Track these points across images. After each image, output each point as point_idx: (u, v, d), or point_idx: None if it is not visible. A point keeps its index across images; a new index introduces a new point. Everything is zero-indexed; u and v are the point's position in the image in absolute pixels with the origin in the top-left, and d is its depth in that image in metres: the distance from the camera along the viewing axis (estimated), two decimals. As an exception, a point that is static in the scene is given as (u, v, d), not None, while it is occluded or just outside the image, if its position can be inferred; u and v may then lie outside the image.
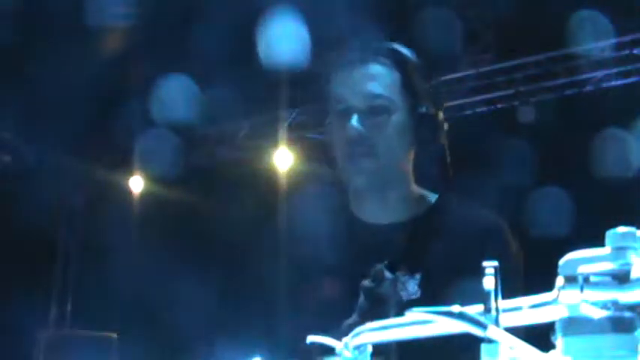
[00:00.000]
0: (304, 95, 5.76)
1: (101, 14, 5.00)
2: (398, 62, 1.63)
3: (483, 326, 0.59)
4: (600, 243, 0.61)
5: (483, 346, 0.59)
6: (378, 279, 1.46)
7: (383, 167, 1.60)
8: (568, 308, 0.60)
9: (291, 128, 6.40)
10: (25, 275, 6.30)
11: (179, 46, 5.12)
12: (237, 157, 6.74)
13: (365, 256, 1.54)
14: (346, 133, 1.59)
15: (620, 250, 0.59)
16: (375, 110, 1.60)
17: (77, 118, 5.53)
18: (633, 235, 0.60)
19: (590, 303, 0.59)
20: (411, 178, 1.67)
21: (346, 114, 1.61)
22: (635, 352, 0.58)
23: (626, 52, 5.29)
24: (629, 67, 5.37)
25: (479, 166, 4.49)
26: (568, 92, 5.59)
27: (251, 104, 6.18)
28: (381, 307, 1.45)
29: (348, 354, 0.80)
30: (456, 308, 0.60)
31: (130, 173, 7.01)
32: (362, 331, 0.78)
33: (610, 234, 0.60)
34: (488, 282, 0.61)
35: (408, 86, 1.62)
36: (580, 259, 0.60)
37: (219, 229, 5.89)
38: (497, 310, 0.61)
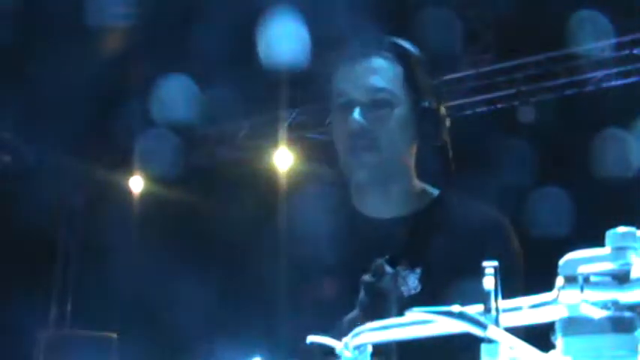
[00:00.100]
0: (304, 95, 5.76)
1: (101, 14, 5.01)
2: (400, 56, 1.63)
3: (483, 326, 0.59)
4: (600, 243, 0.61)
5: (483, 346, 0.59)
6: (379, 273, 1.46)
7: (385, 161, 1.60)
8: (568, 308, 0.60)
9: (291, 128, 6.40)
10: (25, 275, 6.29)
11: (179, 46, 5.12)
12: (237, 157, 6.74)
13: (366, 251, 1.54)
14: (348, 126, 1.59)
15: (620, 250, 0.59)
16: (377, 104, 1.60)
17: (77, 118, 5.53)
18: (633, 235, 0.60)
19: (590, 303, 0.59)
20: (413, 172, 1.67)
21: (348, 107, 1.61)
22: (635, 352, 0.58)
23: (626, 52, 5.29)
24: (629, 67, 5.37)
25: (479, 165, 4.49)
26: (568, 92, 5.59)
27: (251, 104, 6.18)
28: (381, 302, 1.45)
29: (348, 354, 0.80)
30: (456, 308, 0.60)
31: (130, 173, 7.01)
32: (362, 331, 0.78)
33: (610, 234, 0.60)
34: (488, 282, 0.61)
35: (410, 80, 1.62)
36: (580, 259, 0.60)
37: (219, 229, 5.89)
38: (497, 310, 0.61)
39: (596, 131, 4.92)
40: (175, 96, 5.74)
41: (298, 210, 1.77)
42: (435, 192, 1.68)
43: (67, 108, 5.33)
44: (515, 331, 0.62)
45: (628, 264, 0.59)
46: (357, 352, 0.80)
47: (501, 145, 5.08)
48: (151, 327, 5.81)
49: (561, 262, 0.61)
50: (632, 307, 0.58)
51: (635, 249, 0.59)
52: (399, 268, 1.54)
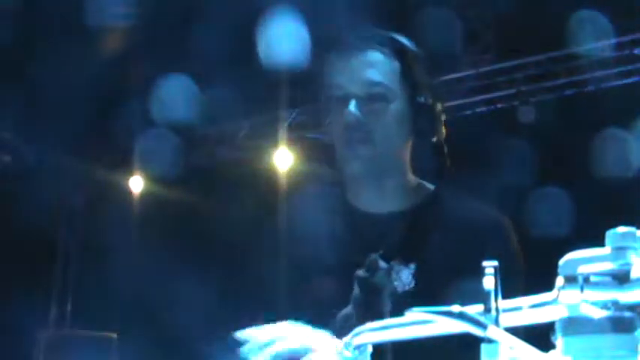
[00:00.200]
0: (304, 95, 5.76)
1: (101, 14, 5.00)
2: (397, 51, 1.63)
3: (483, 326, 0.59)
4: (600, 243, 0.61)
5: (483, 346, 0.59)
6: (373, 269, 1.46)
7: (380, 155, 1.60)
8: (568, 308, 0.60)
9: (291, 128, 6.40)
10: (25, 275, 6.29)
11: (179, 46, 5.11)
12: (237, 157, 6.74)
13: (362, 246, 1.54)
14: (344, 118, 1.59)
15: (620, 250, 0.59)
16: (373, 97, 1.60)
17: (77, 118, 5.53)
18: (633, 235, 0.60)
19: (590, 303, 0.59)
20: (408, 167, 1.67)
21: (344, 100, 1.61)
22: (635, 352, 0.58)
23: (626, 52, 5.29)
24: (629, 67, 5.37)
25: (479, 165, 4.49)
26: (568, 92, 5.59)
27: (251, 104, 6.18)
28: (375, 298, 1.45)
29: (348, 354, 0.80)
30: (456, 308, 0.60)
31: (130, 173, 7.01)
32: (362, 331, 0.78)
33: (610, 234, 0.60)
34: (488, 282, 0.61)
35: (407, 75, 1.62)
36: (580, 259, 0.60)
37: (219, 229, 5.89)
38: (497, 310, 0.61)
39: (596, 131, 4.92)
40: (175, 96, 5.74)
41: (297, 209, 1.77)
42: (431, 187, 1.68)
43: (67, 108, 5.33)
44: (515, 331, 0.62)
45: (628, 264, 0.59)
46: (357, 352, 0.80)
47: (501, 145, 5.08)
48: (151, 327, 5.81)
49: (561, 262, 0.61)
50: (632, 307, 0.58)
51: (635, 249, 0.59)
52: (393, 263, 1.54)
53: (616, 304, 0.58)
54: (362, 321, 1.40)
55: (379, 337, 0.77)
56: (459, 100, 5.77)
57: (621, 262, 0.59)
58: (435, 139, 1.64)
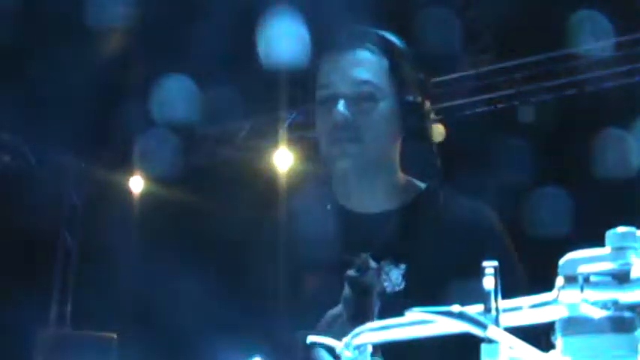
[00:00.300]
0: (304, 95, 5.75)
1: (101, 15, 5.00)
2: (386, 49, 1.62)
3: (483, 326, 0.59)
4: (600, 243, 0.61)
5: (483, 346, 0.59)
6: (363, 268, 1.46)
7: (368, 153, 1.59)
8: (568, 308, 0.60)
9: (291, 128, 6.40)
10: (25, 275, 6.29)
11: (179, 46, 5.12)
12: (237, 157, 6.74)
13: (352, 246, 1.54)
14: (333, 118, 1.59)
15: (620, 250, 0.59)
16: (361, 96, 1.59)
17: (77, 119, 5.53)
18: (633, 235, 0.60)
19: (590, 303, 0.59)
20: (398, 165, 1.67)
21: (332, 100, 1.60)
22: (635, 352, 0.58)
23: (626, 52, 5.29)
24: (629, 67, 5.37)
25: (479, 165, 4.49)
26: (568, 92, 5.58)
27: (251, 104, 6.18)
28: (364, 298, 1.45)
29: (348, 354, 0.80)
30: (455, 308, 0.60)
31: (130, 173, 7.01)
32: (362, 331, 0.78)
33: (610, 234, 0.60)
34: (488, 282, 0.61)
35: (395, 73, 1.61)
36: (580, 259, 0.60)
37: (219, 229, 5.89)
38: (497, 310, 0.61)
39: (596, 131, 4.92)
40: (175, 96, 5.74)
41: (291, 209, 1.77)
42: (422, 186, 1.68)
43: (67, 108, 5.33)
44: (515, 331, 0.62)
45: (628, 264, 0.59)
46: (357, 352, 0.80)
47: (501, 145, 5.07)
48: (151, 327, 5.81)
49: (561, 262, 0.61)
50: (632, 307, 0.58)
51: (635, 249, 0.59)
52: (383, 263, 1.53)
53: (616, 304, 0.58)
54: (351, 321, 1.41)
55: (379, 337, 0.77)
56: (459, 100, 5.77)
57: (621, 262, 0.59)
58: (424, 137, 1.64)
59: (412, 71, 1.64)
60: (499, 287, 0.61)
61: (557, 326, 0.60)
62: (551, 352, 0.61)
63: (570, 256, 0.61)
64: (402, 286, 1.53)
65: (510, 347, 0.59)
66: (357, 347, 0.80)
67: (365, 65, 1.60)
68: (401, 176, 1.67)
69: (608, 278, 0.59)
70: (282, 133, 6.38)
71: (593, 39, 5.15)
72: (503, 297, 0.62)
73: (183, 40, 4.96)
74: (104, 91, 5.56)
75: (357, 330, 0.78)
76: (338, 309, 1.46)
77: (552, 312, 0.61)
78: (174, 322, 5.41)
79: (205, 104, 5.92)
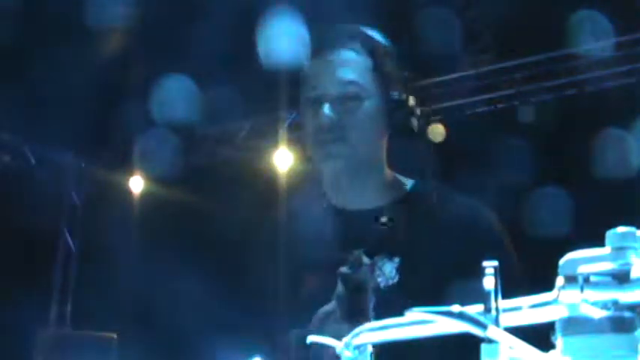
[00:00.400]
0: (304, 95, 5.75)
1: (101, 15, 5.00)
2: (370, 48, 1.63)
3: (483, 326, 0.59)
4: (600, 243, 0.61)
5: (483, 346, 0.59)
6: (356, 265, 1.46)
7: (355, 152, 1.60)
8: (568, 308, 0.60)
9: (291, 128, 6.39)
10: (25, 275, 6.29)
11: (179, 46, 5.11)
12: (237, 157, 6.74)
13: (348, 244, 1.54)
14: (319, 120, 1.60)
15: (620, 250, 0.59)
16: (347, 96, 1.60)
17: (77, 118, 5.53)
18: (633, 235, 0.60)
19: (590, 303, 0.59)
20: (385, 163, 1.67)
21: (318, 101, 1.61)
22: (635, 352, 0.58)
23: (626, 52, 5.29)
24: (629, 67, 5.37)
25: (479, 165, 4.49)
26: (568, 92, 5.58)
27: (251, 104, 6.18)
28: (358, 294, 1.45)
29: (348, 354, 0.80)
30: (455, 308, 0.60)
31: (130, 173, 7.01)
32: (362, 331, 0.78)
33: (610, 234, 0.60)
34: (488, 281, 0.61)
35: (379, 72, 1.62)
36: (580, 259, 0.60)
37: (219, 229, 5.89)
38: (497, 310, 0.61)
39: (596, 131, 4.91)
40: (175, 96, 5.74)
41: (293, 209, 1.77)
42: (410, 183, 1.68)
43: (67, 108, 5.33)
44: (515, 331, 0.62)
45: (628, 264, 0.58)
46: (357, 351, 0.80)
47: (501, 145, 5.07)
48: (151, 327, 5.81)
49: (561, 262, 0.61)
50: (632, 307, 0.58)
51: (635, 249, 0.59)
52: (376, 258, 1.54)
53: (616, 304, 0.58)
54: (346, 318, 1.41)
55: (379, 337, 0.77)
56: (459, 100, 5.77)
57: (621, 262, 0.59)
58: (410, 133, 1.64)
59: (396, 69, 1.65)
60: (499, 287, 0.61)
61: (557, 326, 0.60)
62: (551, 352, 0.61)
63: (570, 256, 0.61)
64: (396, 279, 1.53)
65: (510, 347, 0.59)
66: (357, 347, 0.80)
67: (350, 65, 1.61)
68: (388, 173, 1.68)
69: (608, 278, 0.59)
70: (282, 133, 6.38)
71: (593, 39, 5.14)
72: (503, 297, 0.62)
73: (183, 40, 4.96)
74: (104, 91, 5.56)
75: (357, 330, 0.78)
76: (330, 306, 1.47)
77: (552, 312, 0.61)
78: (174, 322, 5.40)
79: (205, 104, 5.92)
